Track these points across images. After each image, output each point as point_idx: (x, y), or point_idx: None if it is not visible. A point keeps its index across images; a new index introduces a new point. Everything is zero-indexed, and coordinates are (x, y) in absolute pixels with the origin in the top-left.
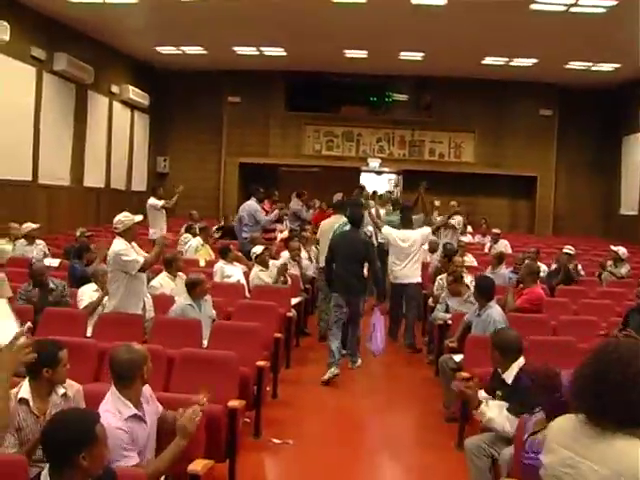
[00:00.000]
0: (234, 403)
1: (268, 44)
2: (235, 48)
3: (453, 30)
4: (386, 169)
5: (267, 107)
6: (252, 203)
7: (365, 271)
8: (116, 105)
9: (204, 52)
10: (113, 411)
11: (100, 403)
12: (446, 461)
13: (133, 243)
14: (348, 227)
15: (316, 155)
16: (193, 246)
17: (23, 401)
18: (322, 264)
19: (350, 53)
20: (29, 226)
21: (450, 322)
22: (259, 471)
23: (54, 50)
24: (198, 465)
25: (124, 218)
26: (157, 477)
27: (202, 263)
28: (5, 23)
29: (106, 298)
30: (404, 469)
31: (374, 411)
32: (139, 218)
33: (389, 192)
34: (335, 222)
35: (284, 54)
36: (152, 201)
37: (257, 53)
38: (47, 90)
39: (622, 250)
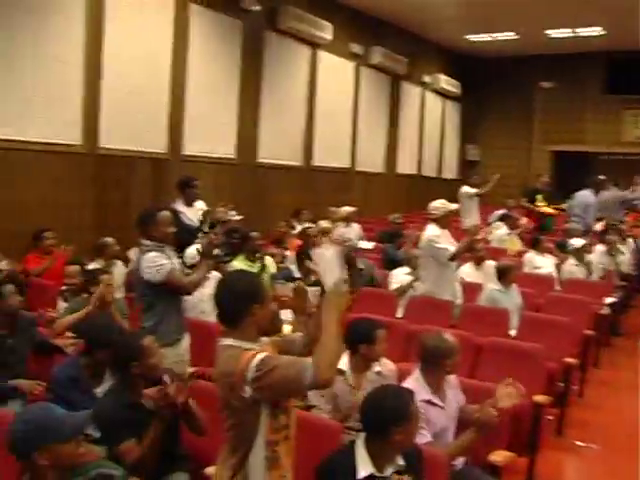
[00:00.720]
0: (539, 398)
1: (584, 24)
2: (548, 31)
3: None
4: None
5: (582, 91)
6: (587, 194)
7: None
8: (428, 94)
9: (516, 37)
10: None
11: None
12: None
13: (446, 231)
14: None
15: (636, 142)
16: (498, 235)
17: (340, 372)
18: None
19: None
20: (347, 210)
21: None
22: (558, 471)
23: (370, 45)
24: (499, 456)
25: (440, 205)
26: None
27: (513, 248)
28: (328, 24)
29: (417, 282)
30: None
31: None
32: (454, 206)
33: None
34: None
35: (602, 33)
36: (465, 189)
37: (572, 35)
38: (364, 83)
39: None
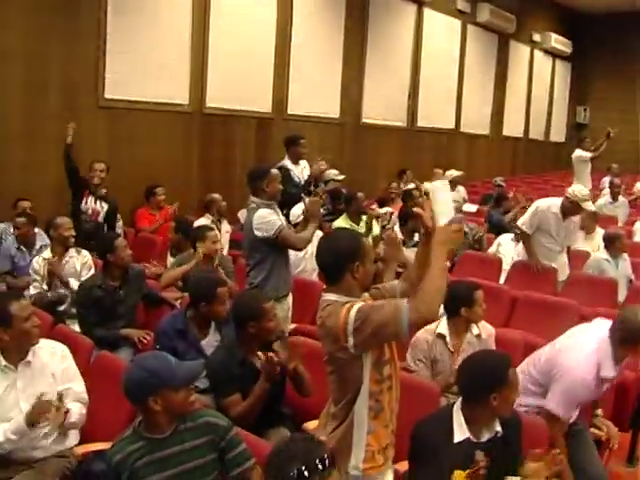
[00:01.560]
0: None
1: None
2: None
3: None
4: None
5: None
6: None
7: None
8: (537, 54)
9: None
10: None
11: (509, 350)
12: None
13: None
14: None
15: None
16: (600, 203)
17: (440, 336)
18: None
19: None
20: (453, 173)
21: None
22: None
23: (477, 1)
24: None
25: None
26: None
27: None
28: None
29: None
30: None
31: None
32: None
33: None
34: None
35: None
36: (579, 152)
37: None
38: (470, 42)
39: None
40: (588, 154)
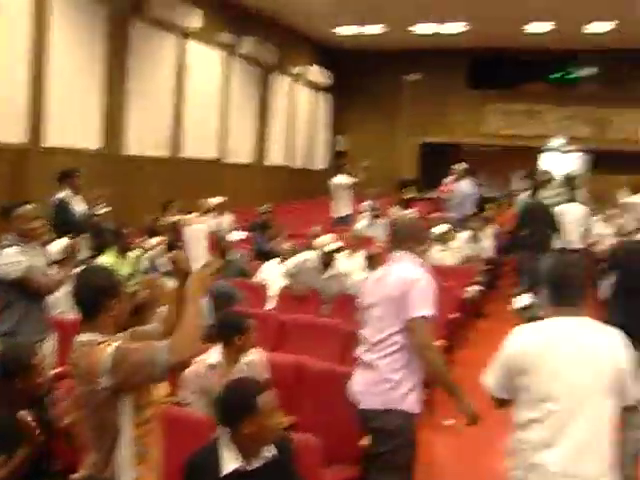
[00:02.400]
0: None
1: (449, 20)
2: (415, 26)
3: None
4: (570, 148)
5: (447, 85)
6: (467, 187)
7: None
8: (298, 86)
9: (384, 31)
10: None
11: (281, 373)
12: None
13: None
14: None
15: (495, 134)
16: (361, 225)
17: (212, 367)
18: None
19: (532, 27)
20: (215, 200)
21: None
22: (429, 451)
23: (240, 34)
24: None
25: None
26: None
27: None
28: (198, 10)
29: None
30: None
31: None
32: None
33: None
34: None
35: (465, 29)
36: (338, 179)
37: (437, 30)
38: (234, 74)
39: None
40: (347, 180)
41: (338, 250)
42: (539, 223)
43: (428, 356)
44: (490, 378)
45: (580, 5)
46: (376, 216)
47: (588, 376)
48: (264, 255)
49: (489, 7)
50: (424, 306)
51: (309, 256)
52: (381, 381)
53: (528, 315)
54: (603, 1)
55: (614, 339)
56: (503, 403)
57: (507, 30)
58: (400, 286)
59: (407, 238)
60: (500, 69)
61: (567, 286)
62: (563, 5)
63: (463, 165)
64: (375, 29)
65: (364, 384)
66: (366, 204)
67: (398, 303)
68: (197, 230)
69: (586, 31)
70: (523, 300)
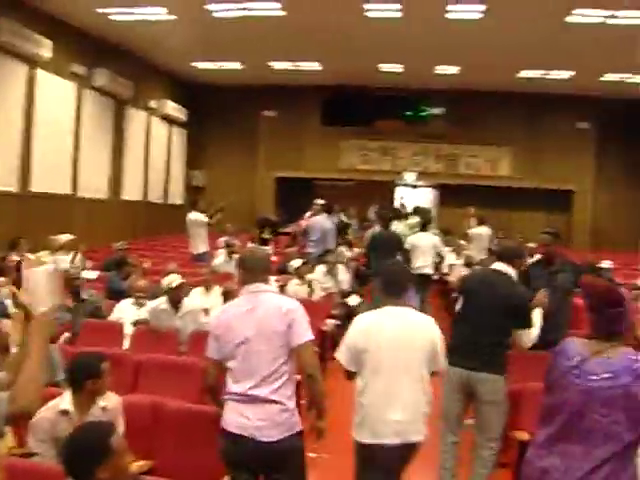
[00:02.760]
0: None
1: (304, 59)
2: (271, 63)
3: (488, 44)
4: (422, 183)
5: (303, 121)
6: (327, 222)
7: None
8: (154, 120)
9: (241, 67)
10: None
11: (137, 415)
12: None
13: None
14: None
15: (351, 169)
16: (218, 262)
17: (64, 413)
18: None
19: (385, 67)
20: (64, 238)
21: None
22: None
23: (94, 66)
24: None
25: None
26: None
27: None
28: (48, 41)
29: None
30: None
31: None
32: None
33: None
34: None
35: (320, 68)
36: (194, 215)
37: (293, 68)
38: (87, 106)
39: None
40: (202, 216)
41: (181, 286)
42: (390, 252)
43: (318, 376)
44: (341, 355)
45: (428, 50)
46: (232, 252)
47: (409, 348)
48: (119, 294)
49: (342, 50)
50: (308, 330)
51: (160, 301)
52: (282, 411)
53: (359, 311)
54: (449, 48)
55: (428, 320)
56: (352, 375)
57: (362, 69)
58: (283, 318)
59: (261, 270)
60: (355, 106)
61: (393, 283)
62: (412, 49)
63: (320, 201)
64: (233, 65)
65: (264, 418)
66: (223, 240)
67: (284, 335)
68: (39, 272)
69: (435, 72)
70: (353, 300)
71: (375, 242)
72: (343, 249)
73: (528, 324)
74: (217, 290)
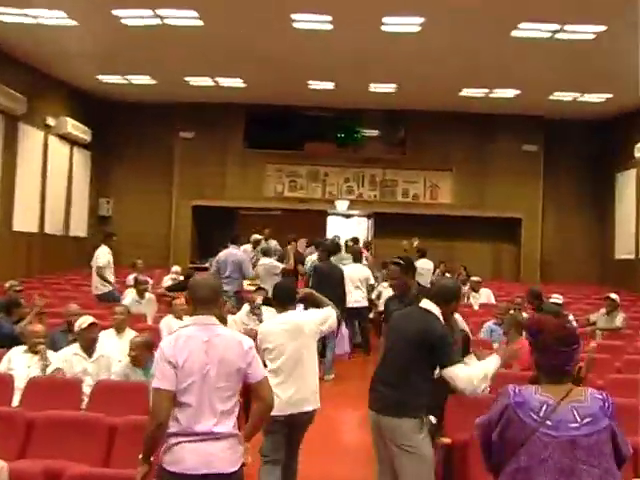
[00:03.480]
0: None
1: (225, 74)
2: (188, 78)
3: (427, 59)
4: (355, 212)
5: (224, 143)
6: (238, 252)
7: None
8: (52, 140)
9: (153, 82)
10: None
11: None
12: None
13: None
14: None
15: (278, 197)
16: (129, 300)
17: None
18: None
19: (315, 84)
20: None
21: None
22: None
23: None
24: None
25: None
26: None
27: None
28: None
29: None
30: None
31: None
32: None
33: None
34: None
35: (242, 85)
36: (102, 251)
37: (212, 84)
38: None
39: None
40: (107, 253)
41: (92, 327)
42: (329, 285)
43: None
44: None
45: (362, 66)
46: (144, 290)
47: (297, 340)
48: (10, 340)
49: (267, 65)
50: (262, 366)
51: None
52: (239, 443)
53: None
54: (385, 63)
55: (313, 315)
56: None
57: (289, 87)
58: (244, 356)
59: (213, 300)
60: (282, 128)
61: (281, 295)
62: (345, 65)
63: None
64: (144, 79)
65: (229, 449)
66: (132, 278)
67: (244, 372)
68: None
69: (370, 90)
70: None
71: (319, 275)
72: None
73: (447, 360)
74: (130, 333)
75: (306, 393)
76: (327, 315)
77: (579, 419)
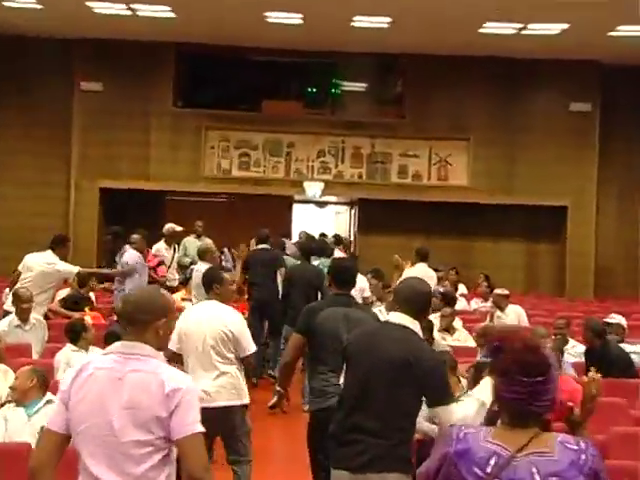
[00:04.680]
0: None
1: (146, 0)
2: (91, 3)
3: None
4: (332, 198)
5: (145, 100)
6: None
7: None
8: None
9: (39, 7)
10: None
11: None
12: None
13: None
14: None
15: (223, 177)
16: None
17: None
18: None
19: (275, 17)
20: None
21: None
22: None
23: None
24: None
25: None
26: None
27: None
28: None
29: None
30: None
31: None
32: None
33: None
34: None
35: (171, 16)
36: None
37: (128, 13)
38: None
39: None
40: None
41: None
42: (311, 291)
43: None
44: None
45: None
46: (27, 310)
47: (210, 333)
48: None
49: None
50: (197, 419)
51: None
52: None
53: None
54: None
55: (232, 314)
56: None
57: (239, 20)
58: (163, 401)
59: (149, 319)
60: (229, 78)
61: (207, 285)
62: None
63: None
64: (27, 3)
65: None
66: (8, 292)
67: (166, 422)
68: None
69: (354, 25)
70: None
71: (293, 278)
72: None
73: (447, 397)
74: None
75: None
76: None
77: (541, 477)
